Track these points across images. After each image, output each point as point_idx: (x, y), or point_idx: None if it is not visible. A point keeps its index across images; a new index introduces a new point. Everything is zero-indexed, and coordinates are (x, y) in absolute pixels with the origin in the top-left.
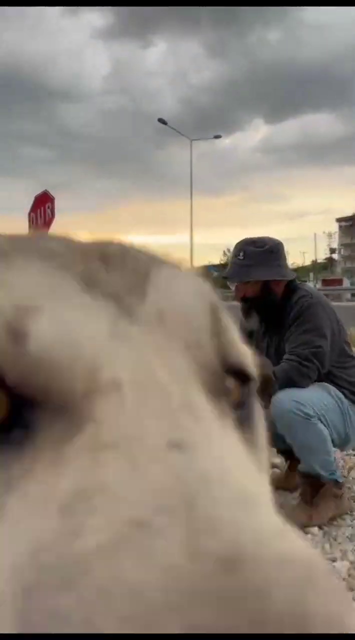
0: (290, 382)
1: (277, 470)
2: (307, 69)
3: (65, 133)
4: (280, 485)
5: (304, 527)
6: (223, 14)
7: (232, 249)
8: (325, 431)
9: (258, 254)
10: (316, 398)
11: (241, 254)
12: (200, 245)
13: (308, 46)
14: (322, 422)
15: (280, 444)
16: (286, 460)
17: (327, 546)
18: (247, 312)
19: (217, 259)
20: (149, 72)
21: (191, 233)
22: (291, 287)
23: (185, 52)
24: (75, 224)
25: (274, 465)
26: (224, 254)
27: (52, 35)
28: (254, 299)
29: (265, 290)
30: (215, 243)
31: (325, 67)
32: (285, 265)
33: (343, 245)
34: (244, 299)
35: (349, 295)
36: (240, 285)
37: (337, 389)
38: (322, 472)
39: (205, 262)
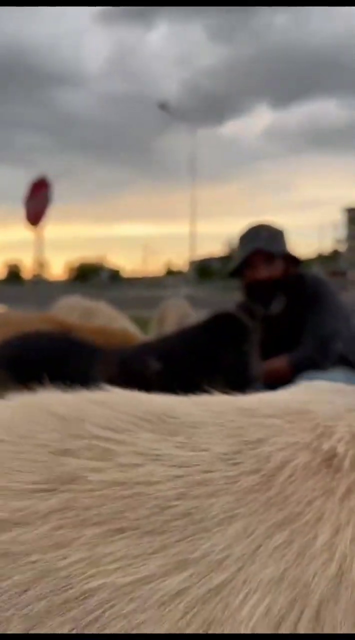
0: (311, 363)
1: None
2: (314, 54)
3: (64, 119)
4: None
5: None
6: None
7: (232, 240)
8: None
9: (279, 233)
10: (340, 380)
11: (263, 232)
12: (202, 235)
13: (316, 31)
14: None
15: None
16: None
17: None
18: (269, 296)
19: (218, 249)
20: (151, 55)
21: (192, 223)
22: (299, 274)
23: (188, 36)
24: (74, 212)
25: None
26: (226, 244)
27: (51, 17)
28: (276, 281)
29: (286, 272)
30: (218, 233)
31: (334, 52)
32: None
33: (349, 236)
34: (264, 282)
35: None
36: (266, 264)
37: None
38: None
39: (206, 254)
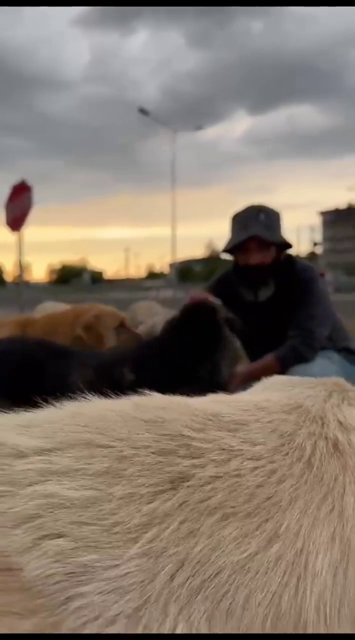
0: (299, 357)
1: None
2: (291, 60)
3: (45, 122)
4: None
5: None
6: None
7: (212, 240)
8: None
9: (277, 217)
10: (324, 372)
11: (262, 215)
12: (183, 237)
13: (292, 37)
14: None
15: None
16: None
17: None
18: (259, 281)
19: (199, 252)
20: (131, 60)
21: (173, 226)
22: (289, 260)
23: (167, 41)
24: (55, 215)
25: None
26: (208, 247)
27: (32, 21)
28: (269, 267)
29: (278, 257)
30: (198, 235)
31: (310, 58)
32: None
33: (326, 238)
34: (257, 267)
35: (332, 289)
36: (259, 250)
37: (330, 350)
38: None
39: (187, 257)
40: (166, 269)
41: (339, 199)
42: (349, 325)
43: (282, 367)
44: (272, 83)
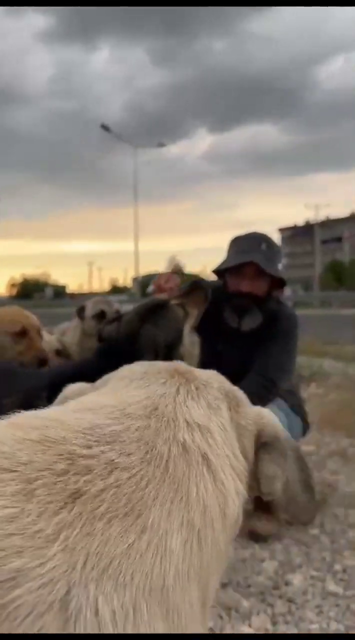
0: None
1: None
2: (251, 79)
3: (7, 136)
4: None
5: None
6: (168, 20)
7: (174, 256)
8: None
9: (277, 251)
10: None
11: (264, 245)
12: (147, 252)
13: (253, 57)
14: None
15: None
16: None
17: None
18: (246, 310)
19: (162, 266)
20: (94, 76)
21: (136, 240)
22: (275, 298)
23: (130, 58)
24: (16, 229)
25: None
26: (169, 261)
27: None
28: (258, 298)
29: (269, 292)
30: (162, 250)
31: (270, 78)
32: None
33: (285, 254)
34: (247, 295)
35: (290, 303)
36: (255, 279)
37: (280, 398)
38: None
39: (151, 271)
40: (129, 283)
41: (298, 216)
42: (305, 340)
43: None
44: (233, 102)
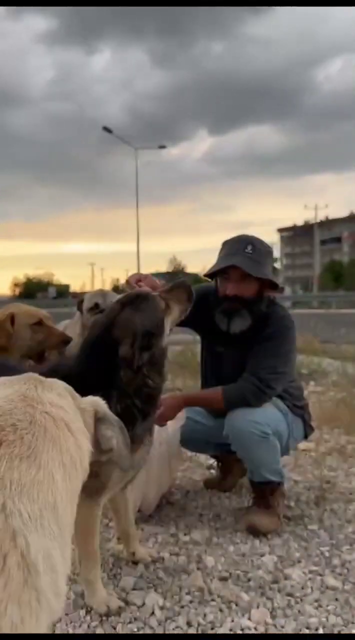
0: (245, 403)
1: (212, 472)
2: (250, 81)
3: (7, 138)
4: (214, 486)
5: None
6: (168, 23)
7: (175, 256)
8: (278, 444)
9: (265, 252)
10: (271, 416)
11: (249, 247)
12: (147, 253)
13: (251, 59)
14: (275, 436)
15: (210, 450)
16: (218, 463)
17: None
18: (235, 312)
19: (164, 267)
20: (94, 78)
21: (138, 241)
22: (271, 300)
23: (130, 60)
24: (17, 230)
25: (209, 467)
26: (171, 262)
27: None
28: (245, 301)
29: (259, 294)
30: (162, 251)
31: (268, 80)
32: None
33: (285, 254)
34: (234, 298)
35: (289, 303)
36: (241, 282)
37: (281, 400)
38: (273, 478)
39: (152, 270)
40: None
41: (297, 217)
42: (304, 339)
43: (226, 406)
44: (232, 104)
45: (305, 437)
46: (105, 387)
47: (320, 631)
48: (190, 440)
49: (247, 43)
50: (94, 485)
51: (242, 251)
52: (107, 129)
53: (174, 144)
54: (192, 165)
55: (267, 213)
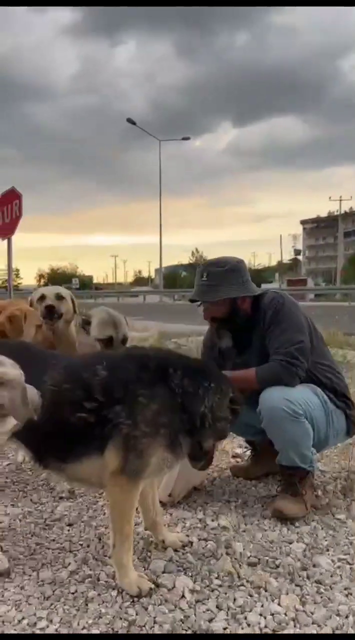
0: (277, 380)
1: (239, 460)
2: (273, 72)
3: (32, 132)
4: (241, 475)
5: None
6: (191, 15)
7: (197, 248)
8: (310, 430)
9: (221, 274)
10: (305, 397)
11: (205, 275)
12: (169, 246)
13: (275, 50)
14: (308, 420)
15: (248, 434)
16: (252, 451)
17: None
18: (218, 332)
19: (186, 259)
20: (118, 71)
21: (160, 234)
22: (257, 298)
23: (154, 52)
24: (42, 223)
25: (235, 455)
26: (193, 254)
27: (18, 31)
28: (223, 319)
29: (233, 308)
30: (184, 244)
31: (292, 71)
32: (249, 281)
33: (308, 246)
34: (213, 320)
35: (312, 295)
36: (210, 306)
37: (323, 389)
38: (301, 464)
39: (175, 262)
40: (153, 275)
41: (321, 209)
42: (327, 332)
43: (259, 383)
44: (255, 95)
45: (348, 433)
46: None
47: (350, 619)
48: None
49: (271, 33)
50: (135, 466)
51: (199, 281)
52: (130, 121)
53: (197, 135)
54: (215, 157)
55: (291, 205)
